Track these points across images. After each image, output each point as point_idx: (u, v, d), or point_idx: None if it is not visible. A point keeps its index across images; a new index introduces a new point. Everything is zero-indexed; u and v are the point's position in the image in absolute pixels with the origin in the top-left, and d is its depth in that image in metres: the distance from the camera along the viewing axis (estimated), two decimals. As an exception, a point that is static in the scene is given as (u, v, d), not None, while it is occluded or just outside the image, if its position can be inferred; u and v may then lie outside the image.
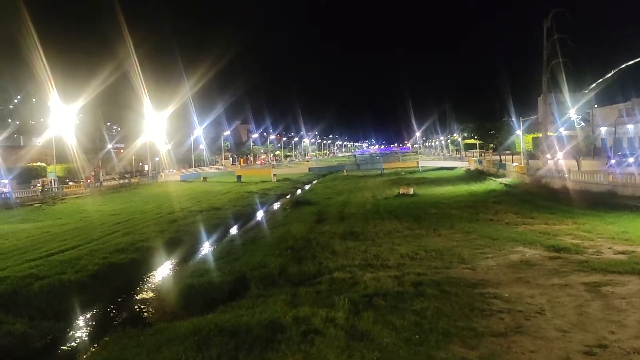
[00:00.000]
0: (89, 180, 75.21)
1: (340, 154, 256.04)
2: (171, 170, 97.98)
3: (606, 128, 79.31)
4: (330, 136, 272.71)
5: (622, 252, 18.20)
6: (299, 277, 18.27)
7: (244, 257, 23.37)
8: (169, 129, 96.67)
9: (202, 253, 30.09)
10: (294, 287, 16.77)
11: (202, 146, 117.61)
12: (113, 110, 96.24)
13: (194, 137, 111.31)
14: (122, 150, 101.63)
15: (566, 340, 10.43)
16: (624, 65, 56.96)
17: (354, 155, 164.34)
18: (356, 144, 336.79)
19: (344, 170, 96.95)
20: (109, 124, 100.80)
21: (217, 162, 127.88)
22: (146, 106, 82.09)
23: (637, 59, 54.40)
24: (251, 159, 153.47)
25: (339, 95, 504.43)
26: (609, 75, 58.90)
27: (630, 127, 73.09)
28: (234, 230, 38.59)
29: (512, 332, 10.99)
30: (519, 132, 70.60)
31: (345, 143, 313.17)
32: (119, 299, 21.56)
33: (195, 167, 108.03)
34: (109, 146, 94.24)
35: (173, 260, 28.30)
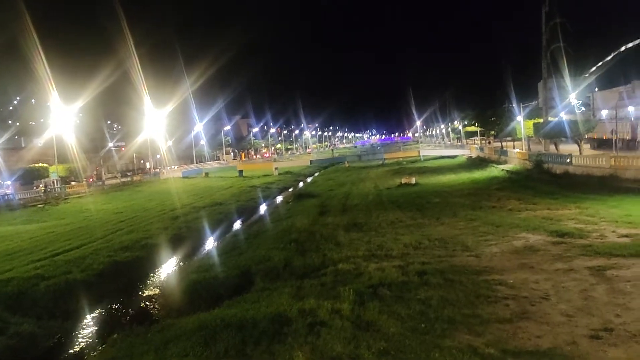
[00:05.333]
0: (91, 180, 75.34)
1: (341, 146, 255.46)
2: (173, 166, 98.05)
3: (607, 111, 79.04)
4: (331, 128, 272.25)
5: (626, 235, 18.15)
6: (304, 269, 18.27)
7: (248, 252, 23.44)
8: (169, 126, 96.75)
9: (207, 248, 30.17)
10: (298, 280, 16.78)
11: (203, 142, 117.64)
12: (113, 108, 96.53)
13: (194, 133, 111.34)
14: (123, 149, 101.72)
15: (572, 324, 10.44)
16: (623, 48, 56.87)
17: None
18: (357, 134, 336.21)
19: (346, 162, 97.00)
20: (109, 122, 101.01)
21: (219, 157, 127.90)
22: (146, 103, 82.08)
23: (637, 41, 54.24)
24: (252, 153, 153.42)
25: (339, 86, 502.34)
26: (609, 58, 58.83)
27: (631, 109, 72.81)
28: (237, 225, 38.65)
29: (517, 318, 11.01)
30: (519, 118, 70.42)
31: (346, 134, 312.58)
32: (125, 297, 21.66)
33: (196, 163, 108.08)
34: (110, 145, 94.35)
35: (178, 257, 28.39)
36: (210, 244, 31.64)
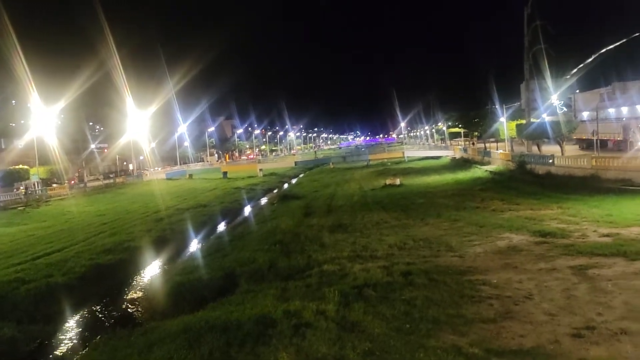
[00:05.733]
0: (72, 182, 74.47)
1: (326, 147, 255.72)
2: (156, 168, 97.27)
3: (588, 112, 79.99)
4: (316, 129, 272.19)
5: (607, 235, 18.42)
6: (289, 271, 18.25)
7: (232, 253, 23.32)
8: (152, 127, 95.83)
9: (191, 250, 29.97)
10: (283, 282, 16.75)
11: (187, 143, 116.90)
12: (95, 109, 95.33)
13: (178, 135, 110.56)
14: (105, 150, 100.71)
15: (554, 323, 10.55)
16: (604, 50, 57.60)
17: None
18: (342, 136, 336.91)
19: (330, 163, 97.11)
20: (91, 123, 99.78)
21: (202, 159, 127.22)
22: (129, 104, 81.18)
23: (617, 43, 55.02)
24: (237, 154, 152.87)
25: (324, 87, 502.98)
26: (590, 60, 59.54)
27: (611, 110, 73.80)
28: (222, 227, 38.45)
29: (501, 317, 11.11)
30: (502, 119, 71.01)
31: (330, 136, 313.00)
32: (108, 300, 21.41)
33: (180, 164, 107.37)
34: (92, 146, 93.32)
35: (161, 259, 28.16)
36: (195, 245, 31.44)
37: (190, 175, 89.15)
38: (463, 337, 10.22)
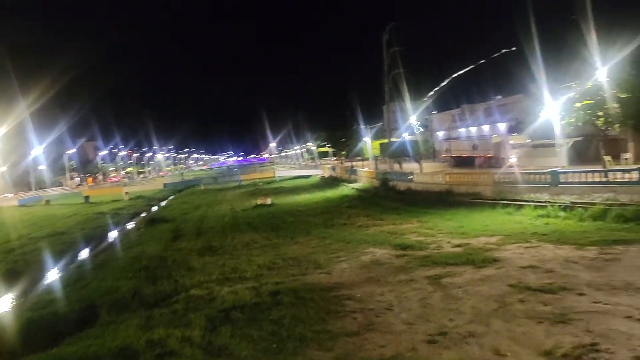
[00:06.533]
0: None
1: (197, 168, 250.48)
2: (7, 195, 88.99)
3: (442, 132, 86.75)
4: (187, 149, 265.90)
5: (459, 245, 19.91)
6: (154, 298, 17.52)
7: (93, 283, 21.90)
8: (2, 150, 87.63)
9: (46, 283, 27.59)
10: (148, 310, 16.01)
11: (43, 166, 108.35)
12: None
13: (32, 157, 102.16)
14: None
15: (412, 332, 11.17)
16: (454, 75, 62.94)
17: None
18: (214, 156, 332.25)
19: (201, 184, 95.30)
20: None
21: (62, 183, 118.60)
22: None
23: (466, 69, 60.44)
24: (100, 177, 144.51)
25: (194, 107, 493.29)
26: (443, 84, 64.70)
27: (462, 130, 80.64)
28: (83, 255, 35.95)
29: (364, 330, 11.54)
30: (366, 138, 74.53)
31: (202, 156, 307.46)
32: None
33: (35, 189, 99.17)
34: None
35: (12, 294, 25.61)
36: (51, 277, 29.01)
37: (47, 201, 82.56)
38: (329, 351, 10.47)
